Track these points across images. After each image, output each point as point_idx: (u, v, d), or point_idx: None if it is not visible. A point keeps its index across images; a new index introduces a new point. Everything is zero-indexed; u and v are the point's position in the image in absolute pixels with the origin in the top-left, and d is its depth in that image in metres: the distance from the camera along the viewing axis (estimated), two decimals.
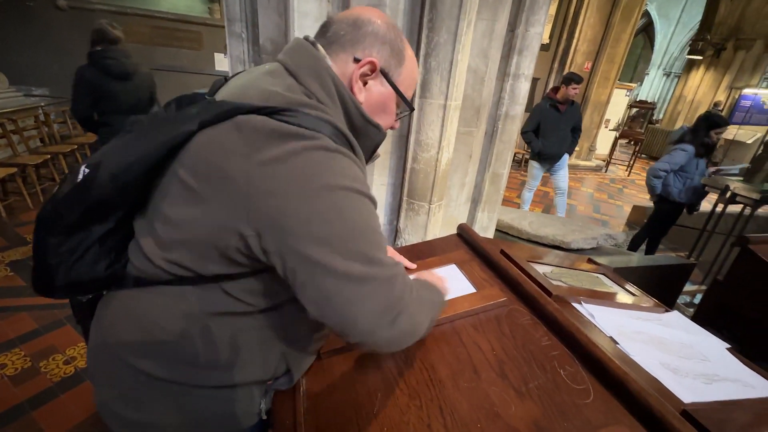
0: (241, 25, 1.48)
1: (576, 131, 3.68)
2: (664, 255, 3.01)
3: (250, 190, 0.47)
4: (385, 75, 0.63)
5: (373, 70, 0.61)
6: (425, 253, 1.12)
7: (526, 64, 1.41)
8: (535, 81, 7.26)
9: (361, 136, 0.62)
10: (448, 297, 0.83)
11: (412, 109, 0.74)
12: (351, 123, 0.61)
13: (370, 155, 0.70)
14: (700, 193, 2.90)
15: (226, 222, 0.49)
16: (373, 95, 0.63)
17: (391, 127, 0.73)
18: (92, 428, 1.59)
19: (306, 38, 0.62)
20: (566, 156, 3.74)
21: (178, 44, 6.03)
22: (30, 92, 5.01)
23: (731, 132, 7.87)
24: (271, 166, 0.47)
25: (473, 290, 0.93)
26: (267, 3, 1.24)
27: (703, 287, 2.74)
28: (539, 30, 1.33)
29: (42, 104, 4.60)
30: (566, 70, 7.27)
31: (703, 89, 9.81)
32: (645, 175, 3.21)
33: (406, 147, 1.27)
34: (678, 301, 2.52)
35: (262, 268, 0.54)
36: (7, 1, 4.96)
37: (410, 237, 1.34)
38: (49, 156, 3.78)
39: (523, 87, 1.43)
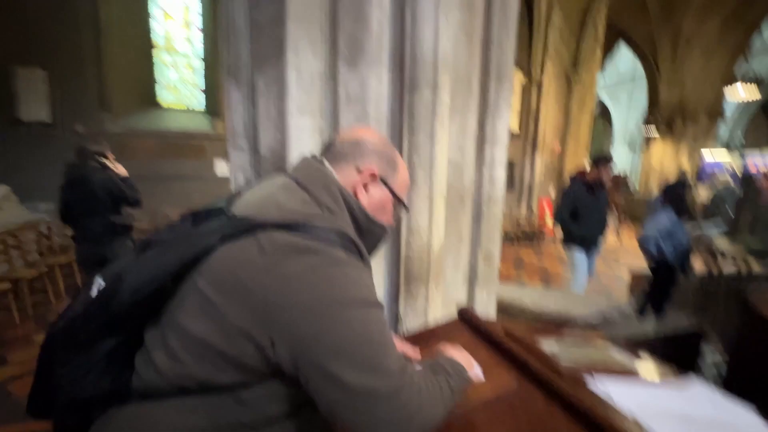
0: (242, 139, 1.67)
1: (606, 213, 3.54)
2: (672, 318, 2.93)
3: (267, 303, 0.51)
4: (384, 181, 0.73)
5: (373, 178, 0.71)
6: (429, 340, 1.09)
7: (499, 153, 1.57)
8: (512, 164, 7.89)
9: (366, 235, 0.69)
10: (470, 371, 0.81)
11: (407, 209, 0.83)
12: (357, 224, 0.68)
13: (374, 251, 0.76)
14: (689, 254, 2.98)
15: (242, 331, 0.52)
16: (374, 198, 0.72)
17: (389, 225, 0.81)
18: None
19: (313, 157, 0.74)
20: (602, 239, 3.53)
21: (184, 156, 6.57)
22: (35, 208, 5.23)
23: (701, 194, 8.31)
24: (287, 281, 0.52)
25: (481, 376, 0.89)
26: (267, 121, 1.42)
27: (721, 352, 2.61)
28: (505, 124, 1.53)
29: (46, 217, 4.77)
30: (538, 152, 7.98)
31: (667, 159, 10.69)
32: (634, 240, 3.32)
33: (398, 235, 1.33)
34: (702, 368, 2.37)
35: (276, 372, 0.55)
36: (31, 129, 5.50)
37: (411, 322, 1.32)
38: (46, 270, 3.79)
39: (500, 173, 1.57)
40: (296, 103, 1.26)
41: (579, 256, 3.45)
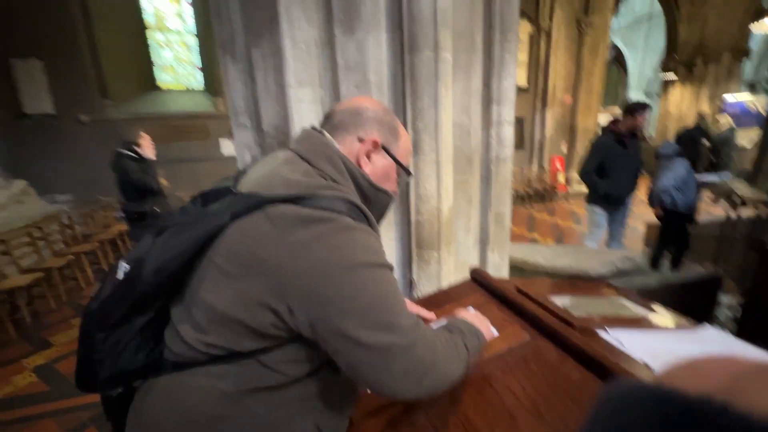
0: (245, 117, 1.66)
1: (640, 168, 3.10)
2: (688, 269, 2.92)
3: (280, 272, 0.54)
4: (386, 149, 0.73)
5: (375, 147, 0.71)
6: (442, 302, 1.13)
7: (507, 111, 1.53)
8: (521, 120, 7.64)
9: (372, 203, 0.70)
10: (486, 331, 0.84)
11: (410, 174, 0.83)
12: (362, 193, 0.69)
13: (381, 219, 0.77)
14: (697, 203, 2.93)
15: (259, 300, 0.55)
16: (377, 167, 0.73)
17: (393, 192, 0.82)
18: None
19: (313, 128, 0.73)
20: (631, 198, 3.15)
21: (188, 137, 6.57)
22: (53, 199, 5.39)
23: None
24: (298, 250, 0.54)
25: (495, 333, 0.93)
26: (266, 95, 1.40)
27: (738, 299, 2.62)
28: (512, 81, 1.47)
29: (66, 209, 4.93)
30: (548, 107, 7.68)
31: (685, 103, 10.15)
32: (648, 193, 3.24)
33: (407, 202, 1.34)
34: (720, 316, 2.39)
35: (296, 336, 0.58)
36: (37, 122, 5.56)
37: (425, 287, 1.35)
38: (72, 257, 3.96)
39: (508, 132, 1.53)
40: (294, 75, 1.23)
41: (601, 217, 3.11)
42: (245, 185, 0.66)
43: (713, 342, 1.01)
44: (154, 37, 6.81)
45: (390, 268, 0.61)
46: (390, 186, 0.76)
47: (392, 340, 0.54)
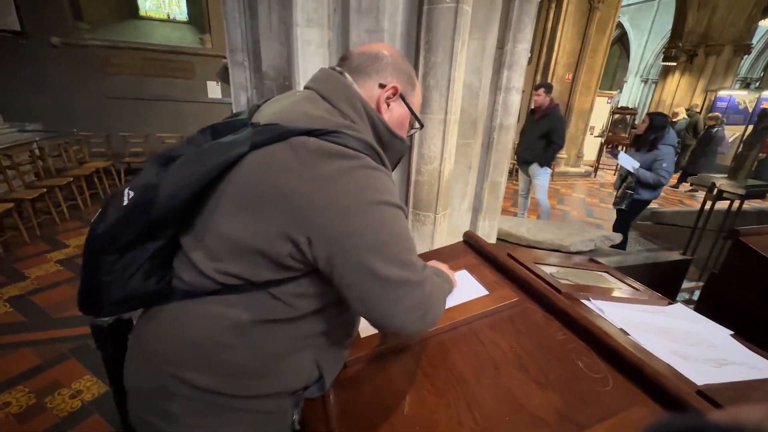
0: (242, 55, 1.55)
1: (551, 142, 3.66)
2: (660, 252, 3.08)
3: (302, 204, 0.54)
4: (403, 98, 0.73)
5: (395, 94, 0.71)
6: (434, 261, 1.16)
7: (516, 78, 1.49)
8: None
9: (387, 149, 0.70)
10: (458, 292, 0.92)
11: (422, 126, 0.83)
12: (379, 138, 0.69)
13: (394, 166, 0.77)
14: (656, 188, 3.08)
15: (279, 231, 0.55)
16: (394, 115, 0.73)
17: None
18: None
19: (333, 68, 0.71)
20: (536, 166, 3.78)
21: (171, 74, 6.15)
22: (23, 128, 5.04)
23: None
24: (321, 183, 0.54)
25: (486, 293, 0.97)
26: (269, 33, 1.31)
27: (701, 283, 2.81)
28: (526, 46, 1.42)
29: (36, 139, 4.63)
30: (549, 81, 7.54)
31: (680, 93, 10.20)
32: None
33: (409, 161, 1.32)
34: (678, 298, 2.57)
35: (310, 270, 0.59)
36: (1, 42, 5.05)
37: (418, 247, 1.38)
38: (45, 189, 3.78)
39: (515, 99, 1.51)
40: (303, 12, 1.15)
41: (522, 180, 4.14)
42: (262, 119, 0.64)
43: (680, 316, 1.09)
44: None
45: (404, 210, 0.62)
46: (403, 135, 0.76)
47: (407, 276, 0.57)
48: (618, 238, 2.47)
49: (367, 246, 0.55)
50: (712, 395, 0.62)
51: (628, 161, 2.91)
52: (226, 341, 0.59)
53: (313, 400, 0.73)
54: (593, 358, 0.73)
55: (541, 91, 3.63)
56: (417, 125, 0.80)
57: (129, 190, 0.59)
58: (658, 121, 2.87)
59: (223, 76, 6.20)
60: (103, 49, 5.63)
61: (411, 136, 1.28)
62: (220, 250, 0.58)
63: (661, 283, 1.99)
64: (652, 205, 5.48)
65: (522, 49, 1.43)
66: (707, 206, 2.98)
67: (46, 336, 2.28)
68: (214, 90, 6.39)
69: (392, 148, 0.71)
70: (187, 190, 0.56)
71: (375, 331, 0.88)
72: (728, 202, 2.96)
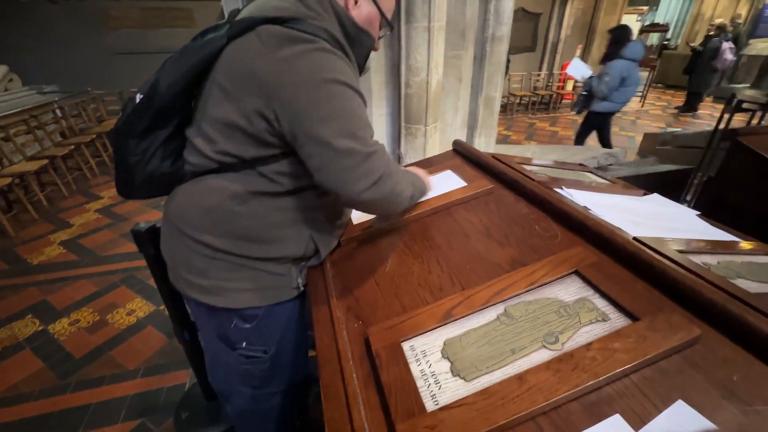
0: None
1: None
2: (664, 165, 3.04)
3: (268, 82, 0.63)
4: None
5: None
6: (424, 167, 1.25)
7: None
8: (536, 17, 6.94)
9: (355, 44, 0.76)
10: (439, 187, 1.00)
11: (392, 27, 0.88)
12: (345, 32, 0.75)
13: (363, 63, 0.83)
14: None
15: (253, 108, 0.65)
16: (362, 12, 0.78)
17: (374, 48, 0.86)
18: (160, 359, 1.88)
19: None
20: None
21: (171, 24, 6.03)
22: (41, 90, 5.20)
23: (755, 47, 7.36)
24: (282, 63, 0.63)
25: (465, 184, 1.07)
26: None
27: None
28: None
29: (56, 99, 4.80)
30: (569, 1, 6.90)
31: (722, 4, 9.11)
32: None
33: (399, 75, 1.37)
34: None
35: (288, 151, 0.71)
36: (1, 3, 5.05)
37: (411, 159, 1.47)
38: (73, 146, 4.02)
39: (507, 6, 1.48)
40: None
41: None
42: (240, 17, 0.72)
43: (654, 202, 1.16)
44: None
45: (360, 95, 0.70)
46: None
47: (355, 146, 0.65)
48: (620, 155, 2.46)
49: (320, 117, 0.63)
50: (645, 240, 0.72)
51: (579, 71, 3.04)
52: (232, 208, 0.74)
53: (314, 267, 0.89)
54: (549, 222, 0.84)
55: None
56: (387, 26, 0.84)
57: (139, 93, 0.71)
58: (615, 35, 3.02)
59: None
60: (102, 2, 5.54)
61: (398, 48, 1.32)
62: (214, 133, 0.70)
63: (663, 189, 2.01)
64: (673, 129, 5.24)
65: None
66: (724, 121, 2.85)
67: (98, 270, 2.61)
68: None
69: (359, 42, 0.77)
70: (182, 80, 0.67)
71: (368, 217, 1.01)
72: (749, 114, 2.81)
